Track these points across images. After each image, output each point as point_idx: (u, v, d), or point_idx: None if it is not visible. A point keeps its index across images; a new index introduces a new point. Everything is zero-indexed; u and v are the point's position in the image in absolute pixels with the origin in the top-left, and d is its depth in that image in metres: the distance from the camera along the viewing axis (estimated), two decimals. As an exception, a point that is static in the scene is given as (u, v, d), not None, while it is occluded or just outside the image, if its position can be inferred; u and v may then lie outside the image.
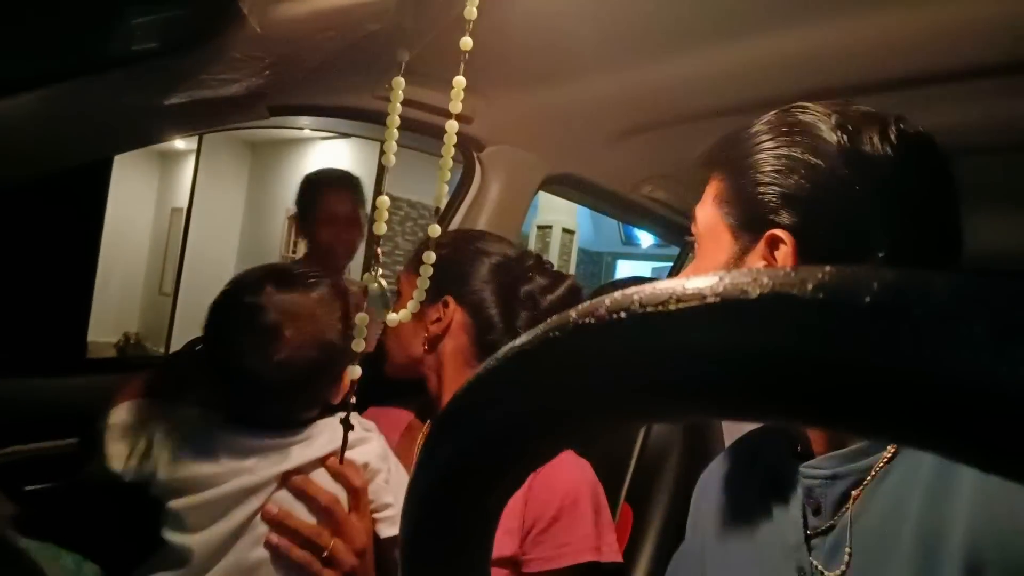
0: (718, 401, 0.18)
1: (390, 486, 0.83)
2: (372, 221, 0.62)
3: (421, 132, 1.22)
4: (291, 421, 0.82)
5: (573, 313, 0.21)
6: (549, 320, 0.22)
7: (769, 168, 0.60)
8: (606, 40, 1.03)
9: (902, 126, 0.59)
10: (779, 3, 0.88)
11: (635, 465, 1.10)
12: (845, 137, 0.58)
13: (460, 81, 0.55)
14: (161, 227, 9.46)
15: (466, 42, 0.55)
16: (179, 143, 8.07)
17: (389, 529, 0.82)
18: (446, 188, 0.61)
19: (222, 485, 0.77)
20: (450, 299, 0.97)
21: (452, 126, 0.57)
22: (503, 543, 0.86)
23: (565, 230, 8.09)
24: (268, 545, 0.76)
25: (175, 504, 0.77)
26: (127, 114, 0.83)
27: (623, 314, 0.19)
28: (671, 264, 2.27)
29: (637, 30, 1.00)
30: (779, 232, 0.59)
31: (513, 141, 1.34)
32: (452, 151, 0.59)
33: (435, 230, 0.62)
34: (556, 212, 7.87)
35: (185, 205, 8.81)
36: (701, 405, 0.20)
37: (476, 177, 1.38)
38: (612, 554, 0.87)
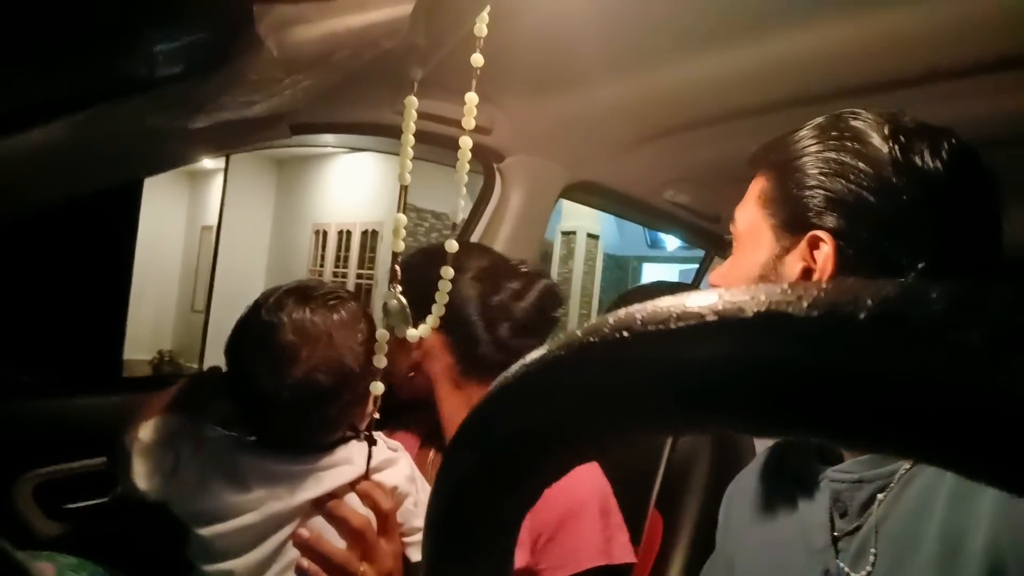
0: (720, 416, 0.19)
1: (418, 509, 0.82)
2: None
3: (441, 145, 1.23)
4: (318, 444, 0.81)
5: (579, 332, 0.22)
6: (558, 339, 0.22)
7: (816, 171, 0.61)
8: (621, 46, 1.03)
9: (954, 141, 0.59)
10: (794, 3, 0.88)
11: (664, 472, 1.09)
12: (897, 147, 0.58)
13: (472, 98, 0.56)
14: (192, 245, 9.65)
15: (477, 59, 0.55)
16: (207, 162, 8.23)
17: (419, 553, 0.81)
18: (462, 203, 0.61)
19: (251, 513, 0.76)
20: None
21: (466, 142, 0.58)
22: (515, 556, 0.86)
23: (590, 235, 8.08)
24: (299, 570, 0.75)
25: (204, 532, 0.77)
26: (153, 137, 0.85)
27: (626, 332, 0.19)
28: (695, 266, 2.26)
29: (652, 35, 1.00)
30: (821, 234, 0.59)
31: (532, 150, 1.34)
32: (467, 167, 0.59)
33: (452, 245, 0.63)
34: (580, 217, 7.87)
35: (215, 223, 8.97)
36: (704, 420, 0.20)
37: (496, 188, 1.39)
38: (624, 555, 0.86)
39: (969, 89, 1.01)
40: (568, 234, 8.09)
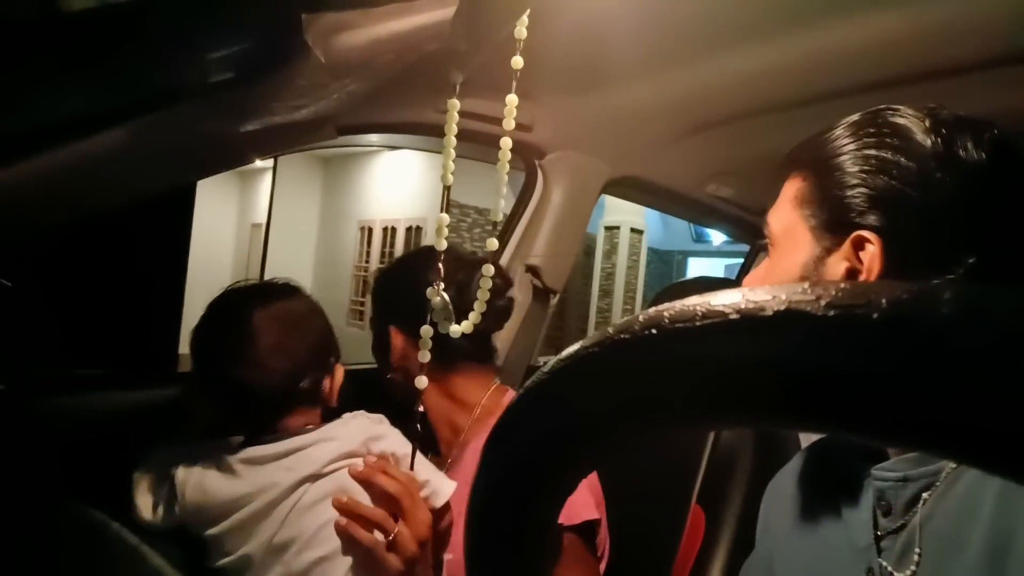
0: (744, 411, 0.19)
1: (417, 465, 0.86)
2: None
3: (482, 143, 1.24)
4: (295, 428, 0.86)
5: (611, 329, 0.23)
6: (592, 336, 0.23)
7: (856, 169, 0.60)
8: (662, 41, 1.02)
9: (996, 132, 0.58)
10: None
11: (706, 467, 1.09)
12: (939, 141, 0.57)
13: (512, 99, 0.57)
14: (243, 242, 9.90)
15: (517, 61, 0.56)
16: (256, 161, 8.43)
17: (436, 499, 0.85)
18: (502, 203, 0.63)
19: (252, 504, 0.80)
20: (392, 329, 1.05)
21: (506, 143, 0.59)
22: None
23: (634, 230, 8.02)
24: (338, 528, 0.79)
25: (213, 532, 0.82)
26: (208, 142, 0.89)
27: (655, 330, 0.21)
28: (743, 260, 2.23)
29: (692, 29, 1.00)
30: (866, 233, 0.59)
31: (573, 146, 1.35)
32: (507, 167, 0.60)
33: (492, 243, 0.64)
34: (624, 212, 7.81)
35: (264, 220, 9.19)
36: (729, 415, 0.21)
37: (538, 184, 1.40)
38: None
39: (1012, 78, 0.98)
40: (612, 229, 8.04)
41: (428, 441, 1.06)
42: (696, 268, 11.13)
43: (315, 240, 9.85)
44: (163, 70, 0.81)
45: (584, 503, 0.88)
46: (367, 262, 8.86)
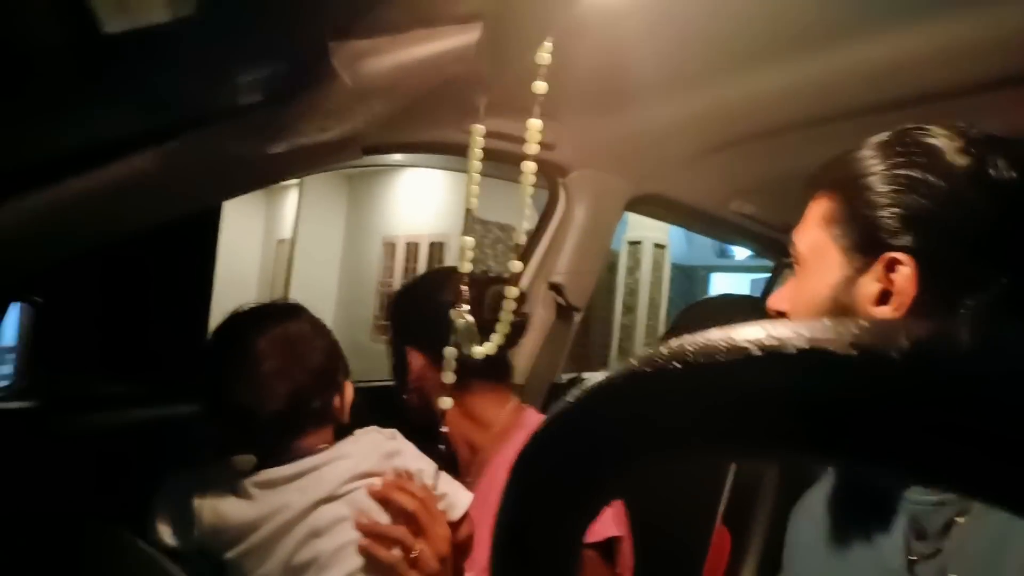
0: (766, 446, 0.20)
1: (434, 479, 0.86)
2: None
3: (505, 161, 1.25)
4: (307, 448, 0.86)
5: (635, 361, 0.23)
6: (616, 367, 0.24)
7: (887, 188, 0.60)
8: (685, 59, 1.03)
9: None
10: (858, 14, 0.86)
11: (731, 487, 1.08)
12: (971, 160, 0.57)
13: (535, 124, 0.58)
14: (269, 258, 10.04)
15: (539, 86, 0.57)
16: (283, 178, 8.55)
17: (452, 512, 0.85)
18: (525, 225, 0.63)
19: (265, 526, 0.81)
20: (408, 349, 1.05)
21: (529, 167, 0.60)
22: None
23: (657, 245, 7.98)
24: (360, 549, 0.80)
25: (230, 555, 0.83)
26: (235, 164, 0.91)
27: (678, 364, 0.21)
28: (768, 276, 2.22)
29: (715, 48, 1.00)
30: (898, 255, 0.58)
31: (596, 164, 1.35)
32: (530, 191, 0.61)
33: (516, 265, 0.65)
34: (647, 228, 7.79)
35: (290, 236, 9.32)
36: (750, 449, 0.21)
37: (560, 203, 1.40)
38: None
39: None
40: (635, 244, 8.01)
41: (447, 459, 1.06)
42: (720, 283, 11.04)
43: (340, 256, 9.95)
44: (194, 93, 0.83)
45: (604, 520, 0.88)
46: (390, 278, 8.93)
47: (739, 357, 0.19)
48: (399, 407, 1.09)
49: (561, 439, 0.26)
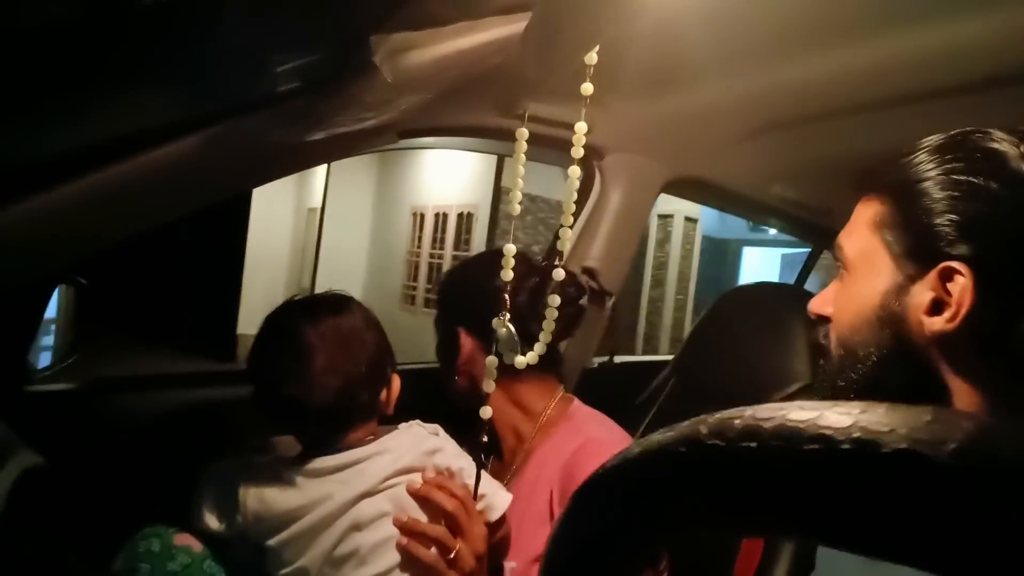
0: (834, 538, 0.19)
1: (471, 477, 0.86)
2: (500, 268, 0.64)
3: (543, 145, 1.23)
4: (352, 440, 0.87)
5: (704, 429, 0.22)
6: (683, 428, 0.23)
7: (945, 195, 0.57)
8: (730, 44, 1.00)
9: None
10: (903, 2, 0.83)
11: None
12: None
13: (582, 127, 0.56)
14: (299, 227, 10.12)
15: (587, 88, 0.56)
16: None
17: (492, 513, 0.86)
18: (570, 233, 0.62)
19: (307, 516, 0.82)
20: (460, 330, 1.04)
21: (574, 171, 0.58)
22: (546, 537, 0.87)
23: (688, 219, 7.89)
24: (399, 547, 0.81)
25: (272, 542, 0.84)
26: (273, 150, 0.90)
27: (753, 443, 0.20)
28: (801, 250, 2.18)
29: (762, 32, 0.96)
30: (955, 264, 0.56)
31: (633, 148, 1.32)
32: (574, 196, 0.60)
33: (559, 273, 0.64)
34: (678, 200, 7.68)
35: (319, 205, 9.37)
36: (815, 537, 0.20)
37: (596, 185, 1.38)
38: None
39: None
40: (665, 217, 7.92)
41: (492, 446, 1.07)
42: (751, 257, 10.89)
43: (369, 225, 10.00)
44: (233, 81, 0.83)
45: None
46: (419, 247, 8.96)
47: (823, 448, 0.18)
48: (442, 389, 1.10)
49: (615, 492, 0.26)
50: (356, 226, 9.83)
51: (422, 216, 8.95)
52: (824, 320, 0.70)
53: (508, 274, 0.61)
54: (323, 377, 0.84)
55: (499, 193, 7.61)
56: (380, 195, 9.85)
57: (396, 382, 0.94)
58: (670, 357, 1.49)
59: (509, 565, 0.88)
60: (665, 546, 0.28)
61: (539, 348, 0.65)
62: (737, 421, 0.21)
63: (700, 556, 0.96)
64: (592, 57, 0.55)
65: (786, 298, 1.31)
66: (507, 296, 0.63)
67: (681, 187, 1.48)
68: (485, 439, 0.68)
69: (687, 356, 1.35)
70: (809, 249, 2.07)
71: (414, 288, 8.93)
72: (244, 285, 8.58)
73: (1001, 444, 0.15)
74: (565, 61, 0.56)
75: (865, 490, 0.17)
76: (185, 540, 0.83)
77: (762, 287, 1.41)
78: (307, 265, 9.62)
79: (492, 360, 0.61)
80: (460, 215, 8.26)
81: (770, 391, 1.16)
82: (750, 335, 1.24)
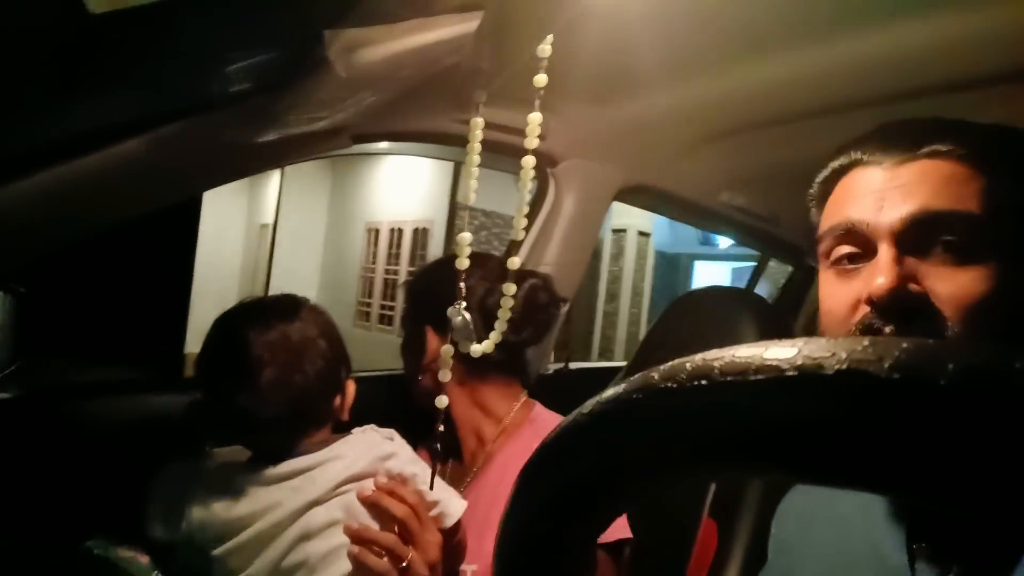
0: (792, 467, 0.19)
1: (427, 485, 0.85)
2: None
3: (495, 151, 1.24)
4: (303, 447, 0.85)
5: (656, 375, 0.22)
6: (634, 380, 0.23)
7: None
8: (681, 52, 1.02)
9: None
10: (854, 7, 0.86)
11: (717, 484, 1.08)
12: None
13: (536, 118, 0.57)
14: (251, 242, 9.93)
15: (541, 79, 0.56)
16: (265, 162, 8.46)
17: (444, 520, 0.84)
18: (524, 221, 0.63)
19: (255, 525, 0.80)
20: (427, 329, 1.04)
21: (528, 162, 0.59)
22: None
23: (641, 233, 8.01)
24: (350, 556, 0.79)
25: (218, 551, 0.82)
26: (224, 151, 0.89)
27: (704, 381, 0.20)
28: (750, 264, 2.23)
29: (713, 39, 0.99)
30: None
31: (586, 154, 1.34)
32: (528, 186, 0.60)
33: (514, 262, 0.64)
34: (631, 215, 7.80)
35: (272, 221, 9.22)
36: (774, 469, 0.21)
37: (549, 192, 1.39)
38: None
39: None
40: (619, 232, 8.03)
41: (452, 448, 1.06)
42: (703, 271, 11.11)
43: (322, 241, 9.88)
44: (186, 80, 0.82)
45: (618, 523, 0.88)
46: (373, 263, 8.89)
47: (770, 376, 0.19)
48: (406, 390, 1.09)
49: (572, 451, 0.26)
50: (309, 242, 9.70)
51: (377, 232, 8.89)
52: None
53: (464, 262, 0.61)
54: (273, 388, 0.82)
55: (455, 208, 7.61)
56: (334, 210, 9.75)
57: (351, 388, 0.92)
58: (625, 363, 1.50)
59: (470, 568, 0.87)
60: (623, 507, 0.28)
61: (494, 336, 0.65)
62: (688, 364, 0.21)
63: (656, 549, 0.97)
64: (545, 50, 0.55)
65: (736, 301, 1.33)
66: (462, 285, 0.63)
67: (634, 194, 1.50)
68: (441, 428, 0.68)
69: (642, 360, 1.36)
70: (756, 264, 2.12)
71: (369, 305, 8.84)
72: (192, 303, 8.36)
73: (939, 358, 0.16)
74: (518, 52, 0.57)
75: (814, 415, 0.18)
76: (129, 553, 0.80)
77: (715, 291, 1.43)
78: (259, 282, 9.43)
79: (448, 349, 0.61)
80: (416, 230, 8.23)
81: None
82: (702, 338, 1.25)
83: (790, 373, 0.18)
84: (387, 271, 8.65)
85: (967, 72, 0.98)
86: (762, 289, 2.15)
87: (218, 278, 9.28)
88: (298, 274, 9.30)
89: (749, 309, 1.27)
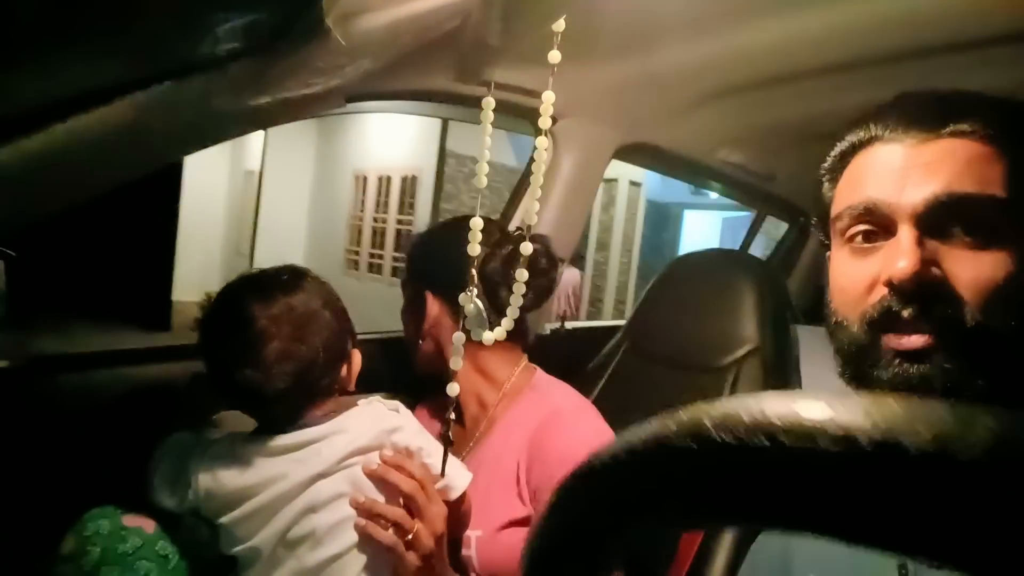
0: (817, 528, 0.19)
1: (432, 457, 0.85)
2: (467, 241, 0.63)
3: (499, 111, 1.21)
4: (309, 418, 0.85)
5: (673, 426, 0.22)
6: (676, 426, 0.23)
7: None
8: (681, 8, 0.99)
9: None
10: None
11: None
12: None
13: (549, 96, 0.55)
14: (236, 189, 9.79)
15: (554, 55, 0.54)
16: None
17: (451, 492, 0.85)
18: (536, 205, 0.61)
19: (260, 495, 0.81)
20: (427, 294, 1.02)
21: (542, 143, 0.57)
22: (512, 507, 0.90)
23: (632, 183, 7.95)
24: (357, 528, 0.80)
25: (224, 520, 0.82)
26: (214, 114, 0.86)
27: (727, 437, 0.20)
28: (741, 214, 2.22)
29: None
30: None
31: (585, 113, 1.31)
32: (543, 167, 0.59)
33: (527, 248, 0.63)
34: (623, 165, 7.71)
35: (258, 168, 9.07)
36: (802, 528, 0.20)
37: (548, 151, 1.37)
38: None
39: None
40: (610, 181, 7.96)
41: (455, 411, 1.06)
42: (692, 220, 11.09)
43: (309, 189, 9.74)
44: (173, 42, 0.78)
45: None
46: (362, 211, 8.80)
47: (803, 445, 0.18)
48: (407, 353, 1.08)
49: (597, 486, 0.26)
50: (296, 189, 9.57)
51: (365, 179, 8.77)
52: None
53: (475, 248, 0.60)
54: (278, 363, 0.81)
55: (444, 156, 7.50)
56: (321, 158, 9.59)
57: (357, 358, 0.91)
58: (620, 323, 1.51)
59: (474, 534, 0.89)
60: (649, 541, 0.28)
61: (506, 324, 0.64)
62: (713, 415, 0.21)
63: (638, 554, 0.98)
64: (560, 24, 0.53)
65: (734, 264, 1.33)
66: (475, 271, 0.61)
67: (632, 153, 1.48)
68: (452, 416, 0.67)
69: (638, 322, 1.37)
70: (749, 213, 2.11)
71: (357, 253, 8.79)
72: (178, 251, 8.29)
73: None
74: (532, 28, 0.55)
75: (846, 481, 0.18)
76: (136, 521, 0.80)
77: (711, 253, 1.43)
78: (245, 230, 9.33)
79: (459, 336, 0.60)
80: (404, 179, 8.12)
81: (719, 355, 1.19)
82: (699, 301, 1.26)
83: (823, 443, 0.18)
84: (375, 219, 8.57)
85: (966, 34, 0.96)
86: (759, 245, 2.15)
87: (204, 225, 9.18)
88: (285, 222, 9.20)
89: (746, 272, 1.27)
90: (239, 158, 9.62)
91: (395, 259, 7.91)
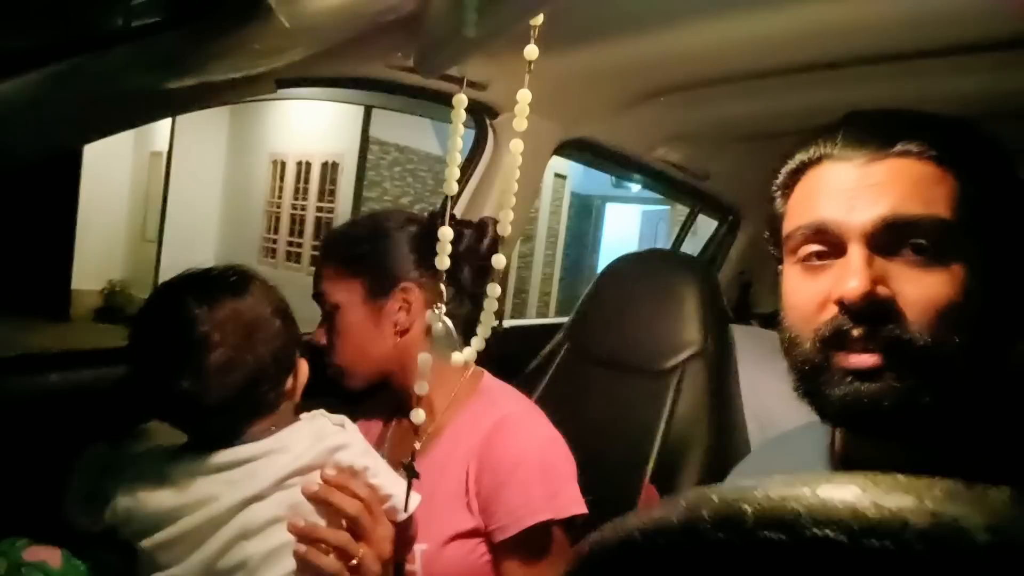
0: None
1: (380, 476, 0.79)
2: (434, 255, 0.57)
3: (428, 99, 1.16)
4: (248, 434, 0.78)
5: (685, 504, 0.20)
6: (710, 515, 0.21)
7: None
8: (625, 6, 0.98)
9: None
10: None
11: (659, 448, 1.09)
12: None
13: (525, 95, 0.51)
14: (141, 172, 9.24)
15: (532, 50, 0.50)
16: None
17: (396, 514, 0.79)
18: (511, 215, 0.56)
19: (189, 517, 0.73)
20: (410, 284, 0.94)
21: (517, 146, 0.53)
22: (459, 518, 0.86)
23: (557, 175, 8.01)
24: (296, 556, 0.73)
25: (145, 544, 0.74)
26: (133, 94, 0.77)
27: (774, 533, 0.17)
28: (659, 207, 2.26)
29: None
30: None
31: (529, 107, 1.28)
32: (516, 174, 0.54)
33: (500, 260, 0.58)
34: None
35: (165, 148, 8.59)
36: None
37: (488, 144, 1.33)
38: (573, 507, 0.85)
39: (973, 65, 1.01)
40: (534, 172, 7.99)
41: (399, 411, 1.01)
42: (614, 213, 11.28)
43: (222, 172, 9.30)
44: (81, 8, 0.70)
45: (574, 497, 0.86)
46: (279, 198, 8.48)
47: (831, 535, 0.16)
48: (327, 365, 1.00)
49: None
50: (208, 173, 9.11)
51: (283, 164, 8.45)
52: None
53: (444, 261, 0.55)
54: (221, 373, 0.73)
55: (367, 143, 7.30)
56: (235, 140, 9.17)
57: (303, 368, 0.84)
58: (559, 320, 1.48)
59: (420, 548, 0.84)
60: None
61: (477, 344, 0.59)
62: (733, 501, 0.19)
63: (595, 514, 0.97)
64: (539, 18, 0.49)
65: (677, 265, 1.33)
66: (443, 287, 0.56)
67: (573, 148, 1.46)
68: (417, 445, 0.62)
69: (578, 323, 1.34)
70: (667, 207, 2.14)
71: (275, 241, 8.48)
72: (78, 236, 7.75)
73: None
74: (513, 22, 0.50)
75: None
76: (40, 554, 0.71)
77: (651, 254, 1.42)
78: (152, 215, 8.83)
79: (426, 358, 0.55)
80: (325, 164, 7.87)
81: (663, 358, 1.18)
82: (643, 302, 1.25)
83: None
84: (294, 206, 8.28)
85: (908, 45, 0.99)
86: (691, 244, 2.18)
87: (105, 210, 8.61)
88: (196, 207, 8.76)
89: (688, 273, 1.27)
90: (144, 139, 9.07)
91: (314, 248, 7.66)
